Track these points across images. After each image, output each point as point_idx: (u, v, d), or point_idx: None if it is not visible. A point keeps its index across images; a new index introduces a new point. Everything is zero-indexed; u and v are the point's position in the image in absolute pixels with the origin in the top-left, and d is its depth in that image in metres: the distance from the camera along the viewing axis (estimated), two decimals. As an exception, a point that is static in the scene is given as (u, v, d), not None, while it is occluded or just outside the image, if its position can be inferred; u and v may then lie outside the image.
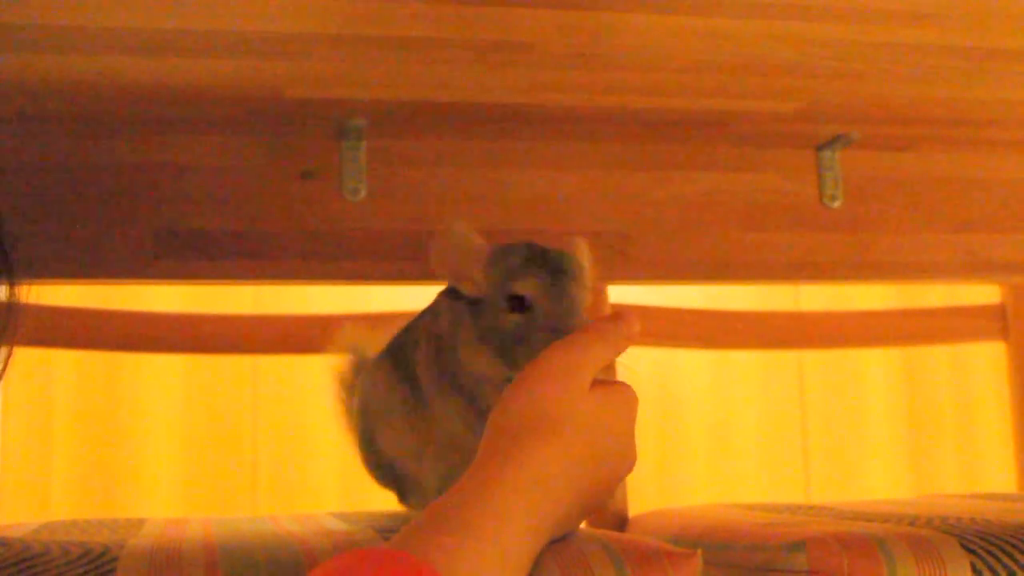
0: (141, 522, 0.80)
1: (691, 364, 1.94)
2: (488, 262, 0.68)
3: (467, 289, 0.68)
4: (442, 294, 0.73)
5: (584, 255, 0.70)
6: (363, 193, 0.92)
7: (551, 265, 0.66)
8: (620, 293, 1.24)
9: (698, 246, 0.98)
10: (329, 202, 0.91)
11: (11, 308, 0.69)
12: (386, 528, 0.71)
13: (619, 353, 0.61)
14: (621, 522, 1.07)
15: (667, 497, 1.85)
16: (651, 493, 1.84)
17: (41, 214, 0.87)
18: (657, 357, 1.88)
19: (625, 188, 0.97)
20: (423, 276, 0.91)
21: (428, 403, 0.73)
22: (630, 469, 0.60)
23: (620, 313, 0.62)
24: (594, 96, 0.86)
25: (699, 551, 0.59)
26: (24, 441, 1.75)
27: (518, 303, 0.65)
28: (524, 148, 0.96)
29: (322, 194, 0.91)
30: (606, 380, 0.61)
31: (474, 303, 0.68)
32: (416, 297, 0.78)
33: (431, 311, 0.74)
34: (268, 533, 0.71)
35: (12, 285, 0.70)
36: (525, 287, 0.65)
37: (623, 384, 0.61)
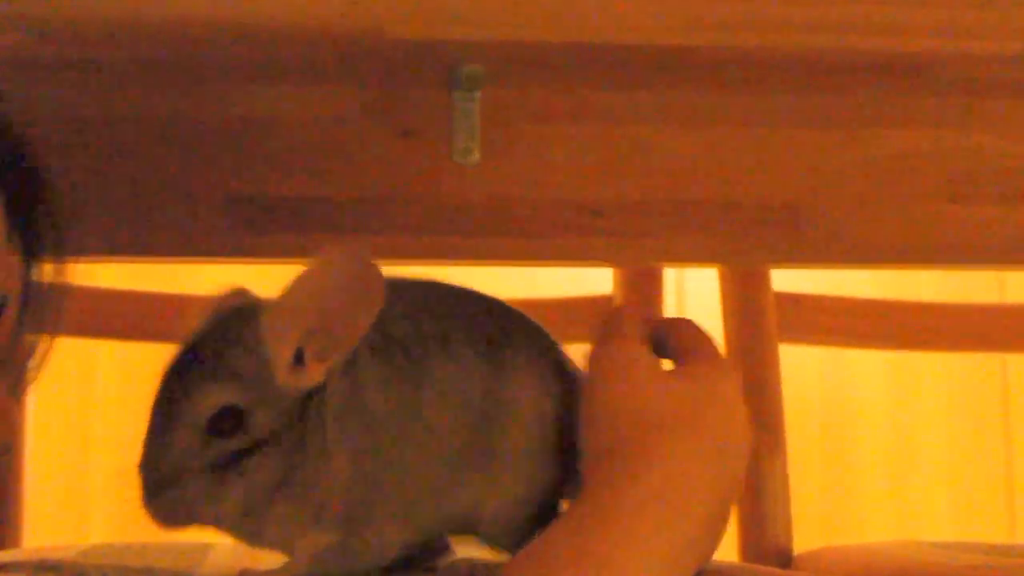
0: (206, 548, 0.82)
1: (867, 368, 1.92)
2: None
3: None
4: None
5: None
6: (476, 155, 0.93)
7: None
8: (785, 279, 1.24)
9: (887, 222, 0.97)
10: (437, 165, 0.92)
11: (56, 290, 0.71)
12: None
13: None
14: (784, 560, 1.06)
15: (836, 532, 1.84)
16: (817, 527, 1.83)
17: (93, 178, 0.90)
18: (825, 359, 1.86)
19: (797, 150, 0.96)
20: (551, 256, 0.92)
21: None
22: (748, 455, 0.60)
23: None
24: (760, 35, 0.86)
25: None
26: (59, 447, 1.81)
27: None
28: (673, 100, 0.96)
29: (428, 156, 0.92)
30: (684, 359, 0.60)
31: None
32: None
33: None
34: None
35: (59, 263, 0.72)
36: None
37: (705, 355, 0.60)
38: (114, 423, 1.83)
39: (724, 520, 0.57)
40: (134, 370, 1.81)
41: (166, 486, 0.59)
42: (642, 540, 0.51)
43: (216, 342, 0.61)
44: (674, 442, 0.56)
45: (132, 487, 0.60)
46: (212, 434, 0.59)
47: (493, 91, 0.93)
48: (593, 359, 0.60)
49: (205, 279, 0.93)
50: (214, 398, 0.59)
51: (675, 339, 0.63)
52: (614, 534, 0.51)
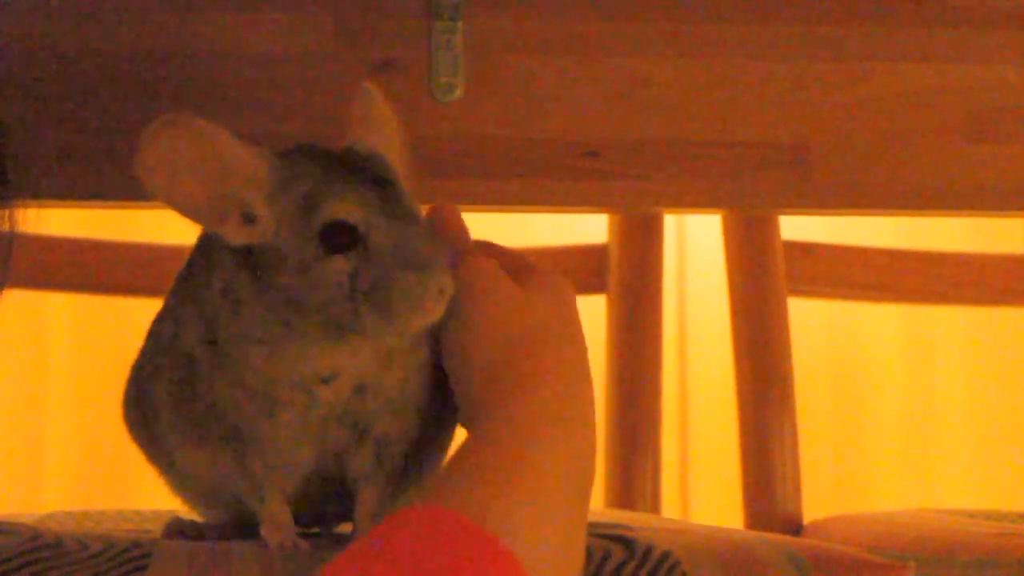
0: (165, 515, 0.83)
1: (883, 324, 1.92)
2: (274, 180, 0.61)
3: (234, 233, 0.61)
4: (198, 252, 0.65)
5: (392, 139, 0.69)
6: (459, 90, 0.93)
7: (364, 171, 0.61)
8: (794, 225, 1.24)
9: (904, 164, 0.97)
10: (415, 102, 0.92)
11: (3, 238, 0.71)
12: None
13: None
14: (793, 529, 1.07)
15: (848, 501, 1.85)
16: (828, 495, 1.84)
17: (42, 117, 0.89)
18: (835, 313, 1.87)
19: (806, 84, 0.97)
20: (541, 201, 0.92)
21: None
22: None
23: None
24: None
25: (911, 564, 0.59)
26: (9, 409, 1.81)
27: (340, 238, 0.59)
28: (673, 30, 0.95)
29: (406, 91, 0.92)
30: (522, 275, 0.63)
31: (253, 255, 0.61)
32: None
33: (174, 306, 0.66)
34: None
35: (11, 209, 0.72)
36: (347, 209, 0.59)
37: (538, 270, 0.64)
38: (69, 382, 1.83)
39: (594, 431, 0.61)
40: (90, 324, 1.81)
41: None
42: (548, 452, 0.55)
43: None
44: (556, 353, 0.60)
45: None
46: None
47: (476, 19, 0.93)
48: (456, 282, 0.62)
49: (165, 226, 0.93)
50: None
51: (501, 259, 0.66)
52: (523, 450, 0.55)
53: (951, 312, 1.87)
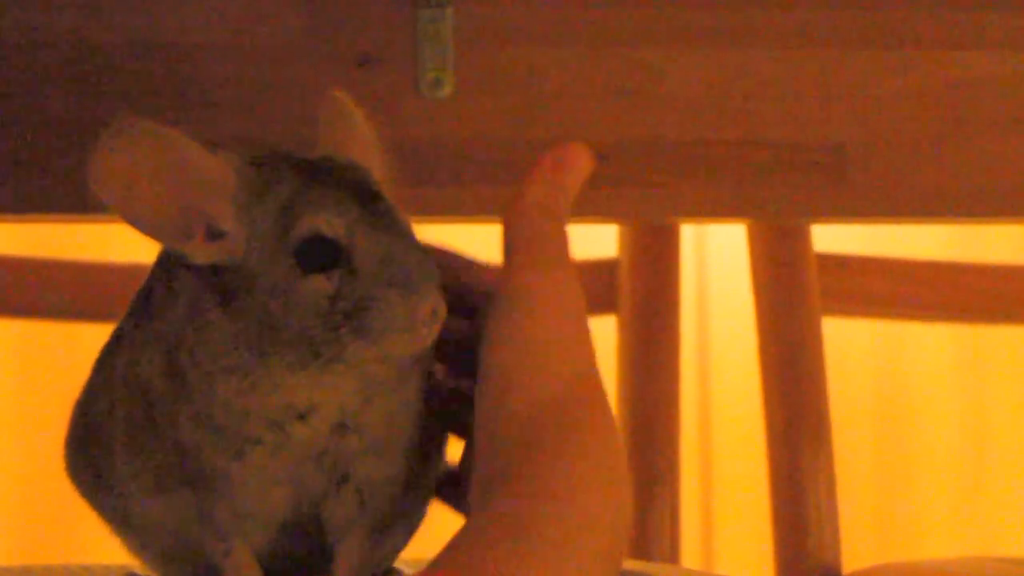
0: (124, 571, 0.83)
1: (929, 346, 1.93)
2: (243, 191, 0.60)
3: (200, 251, 0.60)
4: (158, 270, 0.65)
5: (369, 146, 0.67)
6: (448, 86, 0.93)
7: (345, 181, 0.61)
8: (829, 235, 1.24)
9: (951, 166, 0.97)
10: (400, 99, 0.92)
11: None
12: None
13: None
14: (831, 580, 1.07)
15: (893, 548, 1.85)
16: (869, 542, 1.84)
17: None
18: (877, 334, 1.87)
19: (841, 77, 0.97)
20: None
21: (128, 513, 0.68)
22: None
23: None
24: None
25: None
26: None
27: (319, 255, 0.59)
28: (689, 17, 0.96)
29: (389, 88, 0.92)
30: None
31: (221, 275, 0.60)
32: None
33: (129, 332, 0.65)
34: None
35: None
36: (327, 222, 0.59)
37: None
38: (9, 418, 1.83)
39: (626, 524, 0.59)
40: (33, 353, 1.81)
41: None
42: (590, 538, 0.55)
43: None
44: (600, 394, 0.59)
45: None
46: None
47: (466, 7, 0.93)
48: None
49: (117, 241, 0.93)
50: None
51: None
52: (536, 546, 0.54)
53: (1008, 333, 1.88)
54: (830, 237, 1.25)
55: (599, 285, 1.25)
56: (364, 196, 0.60)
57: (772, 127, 0.96)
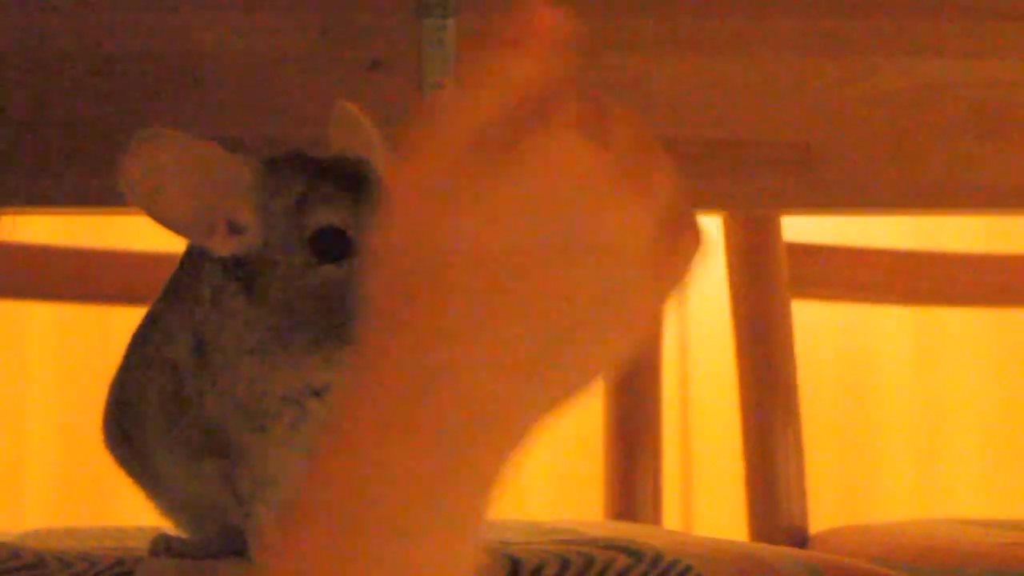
0: (146, 531, 0.83)
1: (890, 327, 1.92)
2: (260, 188, 0.61)
3: (222, 244, 0.61)
4: (186, 260, 0.65)
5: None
6: (450, 89, 0.93)
7: (354, 176, 0.61)
8: (797, 226, 1.24)
9: (910, 162, 0.97)
10: (405, 103, 0.92)
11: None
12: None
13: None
14: (799, 540, 1.07)
15: (856, 510, 1.85)
16: (834, 505, 1.84)
17: (18, 120, 0.89)
18: (843, 317, 1.87)
19: (808, 80, 0.97)
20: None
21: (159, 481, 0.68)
22: (648, 303, 0.40)
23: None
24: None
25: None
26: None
27: (331, 245, 0.59)
28: (668, 25, 0.96)
29: (396, 92, 0.92)
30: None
31: (242, 265, 0.61)
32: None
33: (160, 316, 0.65)
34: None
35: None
36: (338, 214, 0.60)
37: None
38: (51, 395, 1.83)
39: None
40: (72, 335, 1.81)
41: None
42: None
43: None
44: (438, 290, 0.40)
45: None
46: None
47: (469, 17, 0.93)
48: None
49: (149, 233, 0.93)
50: None
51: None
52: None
53: (962, 315, 1.87)
54: (798, 227, 1.25)
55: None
56: (372, 190, 0.61)
57: (745, 127, 0.96)
